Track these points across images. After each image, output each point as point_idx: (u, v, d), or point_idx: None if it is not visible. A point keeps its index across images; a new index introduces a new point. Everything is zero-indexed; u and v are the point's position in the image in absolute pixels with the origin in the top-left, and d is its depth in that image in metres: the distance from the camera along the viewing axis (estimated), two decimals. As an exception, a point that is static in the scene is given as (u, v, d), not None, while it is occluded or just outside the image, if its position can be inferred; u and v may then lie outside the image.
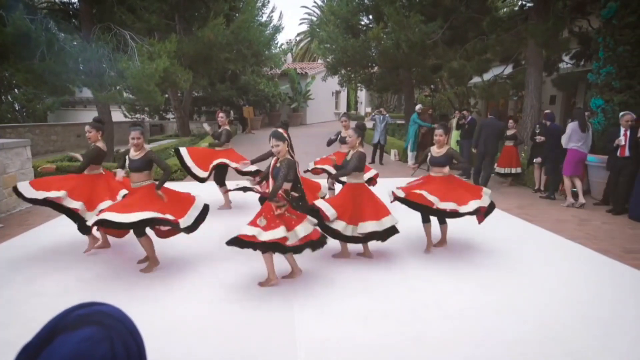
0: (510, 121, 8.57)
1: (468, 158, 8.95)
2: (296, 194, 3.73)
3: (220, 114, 6.37)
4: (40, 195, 4.26)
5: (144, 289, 3.77)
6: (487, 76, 11.59)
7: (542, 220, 6.04)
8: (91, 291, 3.72)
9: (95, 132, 4.55)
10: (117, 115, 16.53)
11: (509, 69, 11.84)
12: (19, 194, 4.30)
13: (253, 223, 3.54)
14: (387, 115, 11.69)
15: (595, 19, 9.27)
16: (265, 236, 3.42)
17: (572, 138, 6.73)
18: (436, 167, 4.53)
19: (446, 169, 4.41)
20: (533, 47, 9.44)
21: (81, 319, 0.64)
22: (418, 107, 11.42)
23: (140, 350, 0.68)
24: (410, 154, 11.18)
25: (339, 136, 6.34)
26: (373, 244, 4.46)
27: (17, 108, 18.38)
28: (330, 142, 6.54)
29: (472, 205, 4.23)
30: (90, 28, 9.13)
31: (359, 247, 4.50)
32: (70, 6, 10.77)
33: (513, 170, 8.43)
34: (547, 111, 8.28)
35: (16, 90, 18.30)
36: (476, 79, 13.02)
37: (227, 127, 6.33)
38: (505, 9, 14.44)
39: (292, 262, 3.89)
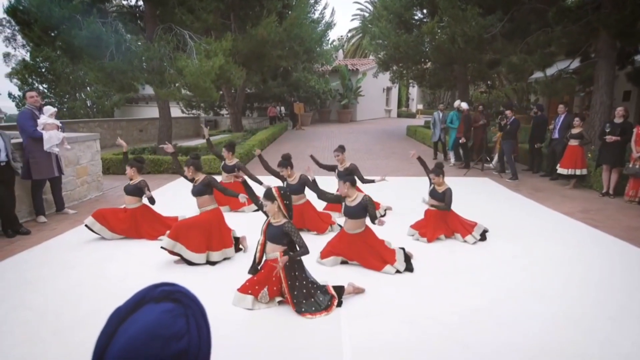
0: (577, 119, 7.93)
1: (509, 160, 8.85)
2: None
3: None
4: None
5: (198, 279, 3.96)
6: (551, 71, 10.82)
7: (610, 227, 5.56)
8: (150, 278, 3.96)
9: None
10: (175, 111, 17.51)
11: (575, 63, 10.98)
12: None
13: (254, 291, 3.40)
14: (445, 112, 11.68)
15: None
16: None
17: None
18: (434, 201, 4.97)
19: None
20: (605, 38, 8.69)
21: (165, 294, 0.73)
22: (461, 103, 10.71)
23: (209, 331, 0.77)
24: (450, 153, 10.91)
25: (336, 170, 5.90)
26: (433, 246, 4.35)
27: (88, 104, 20.02)
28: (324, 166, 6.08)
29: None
30: (153, 29, 9.70)
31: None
32: (137, 9, 11.49)
33: (577, 172, 7.80)
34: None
35: (88, 88, 19.94)
36: (538, 74, 12.22)
37: None
38: (573, -2, 13.37)
39: None
